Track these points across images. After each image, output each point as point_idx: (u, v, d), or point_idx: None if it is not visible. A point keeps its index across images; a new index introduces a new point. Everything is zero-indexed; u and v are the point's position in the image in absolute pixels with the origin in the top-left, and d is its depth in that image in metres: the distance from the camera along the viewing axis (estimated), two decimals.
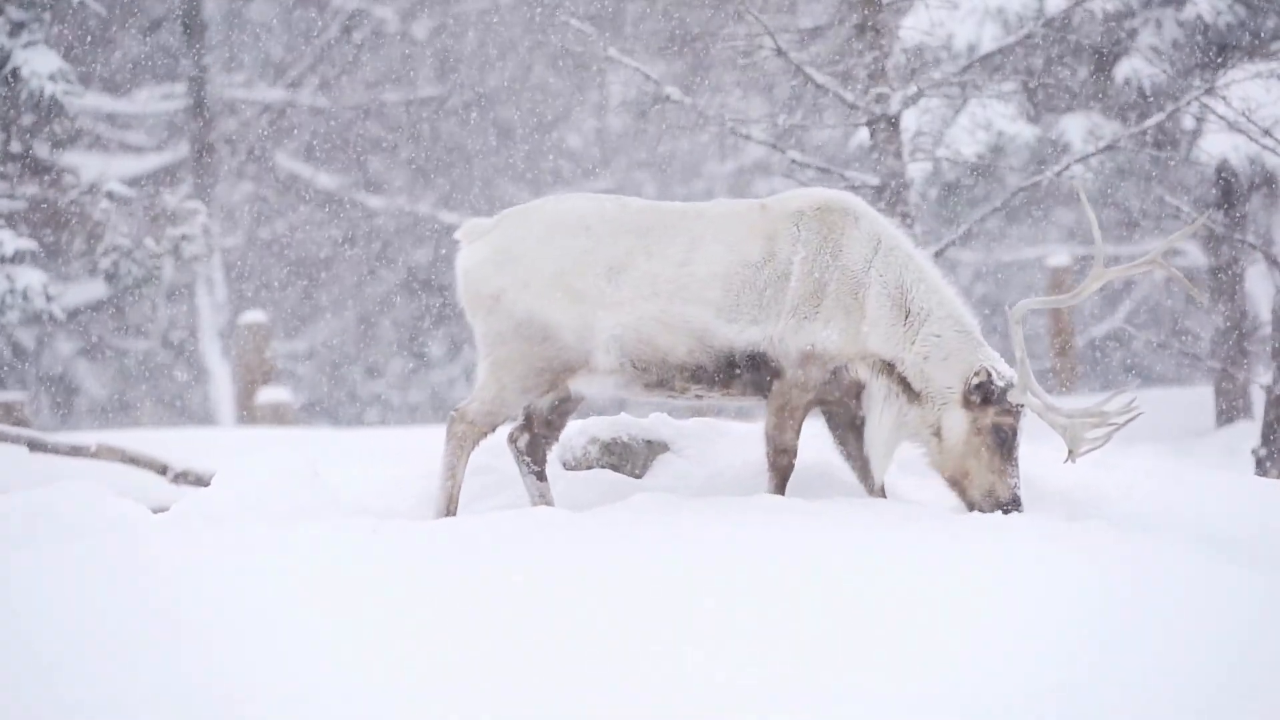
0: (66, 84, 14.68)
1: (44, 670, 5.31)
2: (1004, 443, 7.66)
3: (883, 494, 7.95)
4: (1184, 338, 24.03)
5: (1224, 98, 11.47)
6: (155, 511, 8.02)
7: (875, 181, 11.59)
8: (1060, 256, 18.98)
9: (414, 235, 29.12)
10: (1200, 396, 18.59)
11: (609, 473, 8.32)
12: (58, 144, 15.06)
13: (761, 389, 7.77)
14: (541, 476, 8.01)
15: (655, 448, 8.49)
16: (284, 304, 29.09)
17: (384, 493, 8.48)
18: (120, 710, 5.09)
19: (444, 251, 29.16)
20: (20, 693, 5.16)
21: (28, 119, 14.86)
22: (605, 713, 5.09)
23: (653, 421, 8.55)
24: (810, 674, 5.39)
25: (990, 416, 7.66)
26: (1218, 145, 15.90)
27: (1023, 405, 7.66)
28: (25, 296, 14.50)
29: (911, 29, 12.44)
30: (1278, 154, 11.56)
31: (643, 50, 12.44)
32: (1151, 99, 16.11)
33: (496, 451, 8.64)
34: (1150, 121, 11.95)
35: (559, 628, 5.69)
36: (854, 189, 11.55)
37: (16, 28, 14.65)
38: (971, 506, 7.70)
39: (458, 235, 7.92)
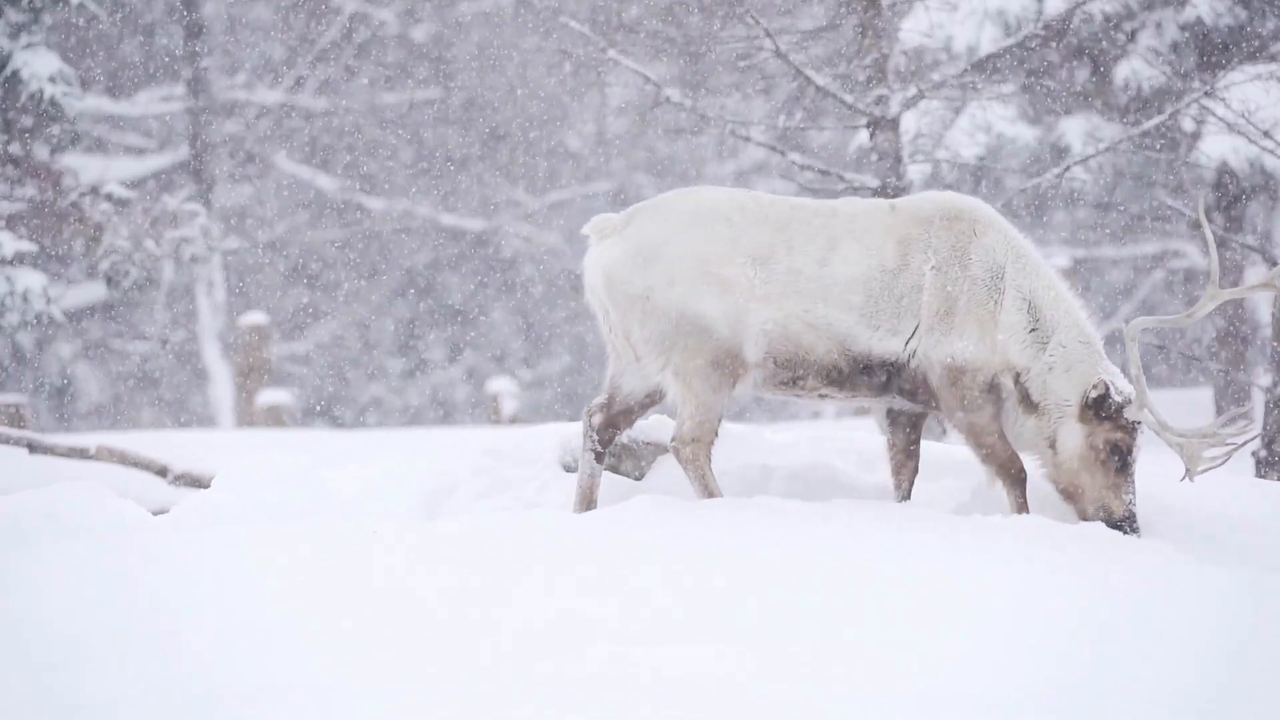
0: (66, 86, 14.67)
1: (43, 670, 5.31)
2: (1120, 459, 7.55)
3: (908, 496, 7.90)
4: (1184, 340, 24.02)
5: (1224, 100, 11.46)
6: (155, 513, 8.02)
7: (875, 184, 11.58)
8: (1059, 259, 18.95)
9: (413, 237, 29.12)
10: (1200, 398, 18.58)
11: (609, 474, 8.30)
12: (57, 146, 15.05)
13: (887, 391, 7.68)
14: (600, 458, 7.89)
15: (656, 449, 8.46)
16: (283, 306, 29.08)
17: (384, 494, 8.48)
18: (118, 710, 5.09)
19: (443, 254, 29.16)
20: (20, 693, 5.16)
21: (27, 121, 14.86)
22: (601, 712, 5.09)
23: (653, 423, 8.52)
24: (809, 673, 5.39)
25: (1106, 431, 7.55)
26: (1217, 147, 15.90)
27: (1139, 422, 7.54)
28: (25, 299, 14.50)
29: (911, 31, 12.44)
30: (1277, 156, 11.56)
31: (643, 52, 12.44)
32: (1151, 101, 16.11)
33: (496, 452, 8.63)
34: (1150, 123, 11.95)
35: (556, 629, 5.69)
36: (854, 191, 11.55)
37: (16, 29, 14.65)
38: (1085, 520, 7.57)
39: (586, 230, 7.78)
